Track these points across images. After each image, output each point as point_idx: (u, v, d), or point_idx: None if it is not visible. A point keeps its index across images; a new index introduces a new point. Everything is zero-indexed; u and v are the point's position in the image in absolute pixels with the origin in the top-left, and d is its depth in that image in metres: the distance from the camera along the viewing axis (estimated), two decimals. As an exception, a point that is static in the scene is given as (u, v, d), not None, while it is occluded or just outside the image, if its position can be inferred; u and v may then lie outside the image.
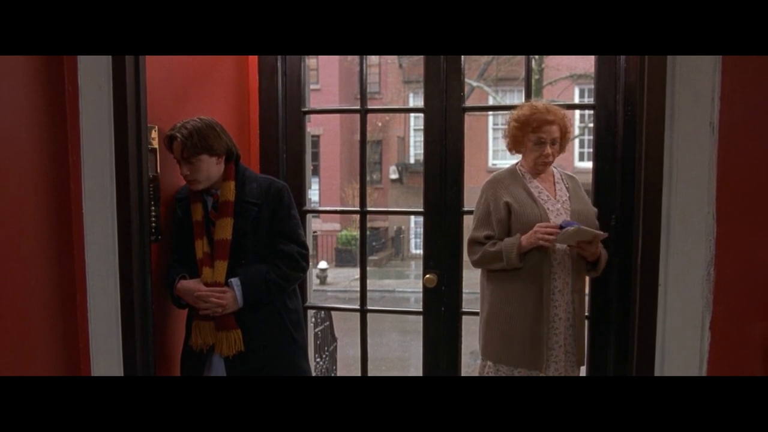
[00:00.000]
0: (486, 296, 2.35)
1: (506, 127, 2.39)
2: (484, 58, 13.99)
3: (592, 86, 2.60)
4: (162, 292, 2.19)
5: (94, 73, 1.72)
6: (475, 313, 2.47)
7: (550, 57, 13.31)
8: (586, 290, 2.44)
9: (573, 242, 2.20)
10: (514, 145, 2.36)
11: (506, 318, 2.25)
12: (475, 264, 2.34)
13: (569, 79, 14.08)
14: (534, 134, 2.27)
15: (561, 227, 2.16)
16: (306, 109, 2.83)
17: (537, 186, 2.32)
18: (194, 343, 2.19)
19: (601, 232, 2.20)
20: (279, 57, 2.75)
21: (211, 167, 2.14)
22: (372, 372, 2.88)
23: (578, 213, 2.28)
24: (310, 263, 2.34)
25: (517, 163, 2.40)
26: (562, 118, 2.29)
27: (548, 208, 2.27)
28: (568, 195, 2.35)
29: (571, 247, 2.23)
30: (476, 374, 2.42)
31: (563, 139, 2.32)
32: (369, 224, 2.86)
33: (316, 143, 16.46)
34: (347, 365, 5.94)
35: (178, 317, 2.26)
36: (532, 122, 2.27)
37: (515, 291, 2.25)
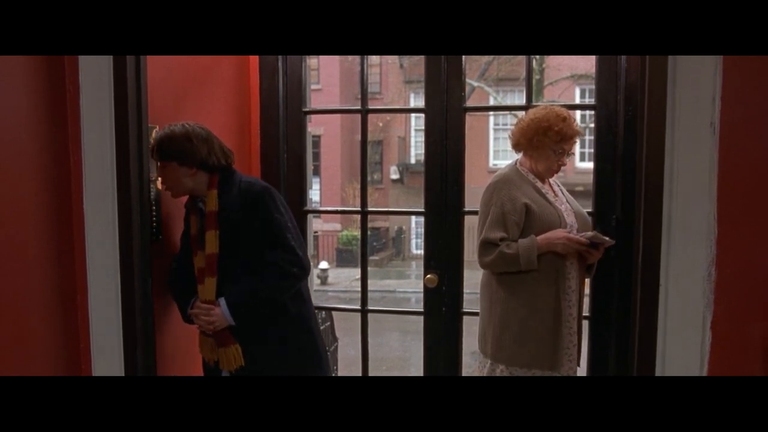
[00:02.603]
0: (499, 300, 2.28)
1: (519, 126, 2.32)
2: (485, 58, 13.98)
3: (593, 86, 2.60)
4: (163, 293, 2.20)
5: (95, 73, 1.73)
6: (476, 314, 2.46)
7: (551, 57, 13.30)
8: (586, 290, 2.45)
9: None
10: (528, 147, 2.31)
11: (523, 320, 2.23)
12: (487, 266, 2.28)
13: (570, 79, 14.07)
14: (560, 144, 2.25)
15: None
16: (307, 110, 2.83)
17: (542, 187, 2.33)
18: (204, 357, 2.21)
19: (611, 240, 2.22)
20: (280, 57, 2.74)
21: (182, 177, 2.08)
22: (372, 372, 2.88)
23: (580, 214, 2.32)
24: (311, 264, 2.28)
25: (515, 163, 2.38)
26: (581, 129, 2.32)
27: (559, 208, 2.29)
28: (564, 198, 2.38)
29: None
30: (478, 374, 2.41)
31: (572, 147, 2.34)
32: (370, 224, 2.85)
33: (316, 143, 16.44)
34: (348, 365, 5.93)
35: (179, 318, 2.25)
36: (562, 132, 2.23)
37: (531, 292, 2.23)
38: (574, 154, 2.33)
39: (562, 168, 2.37)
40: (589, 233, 2.22)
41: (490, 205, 2.28)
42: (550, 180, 2.40)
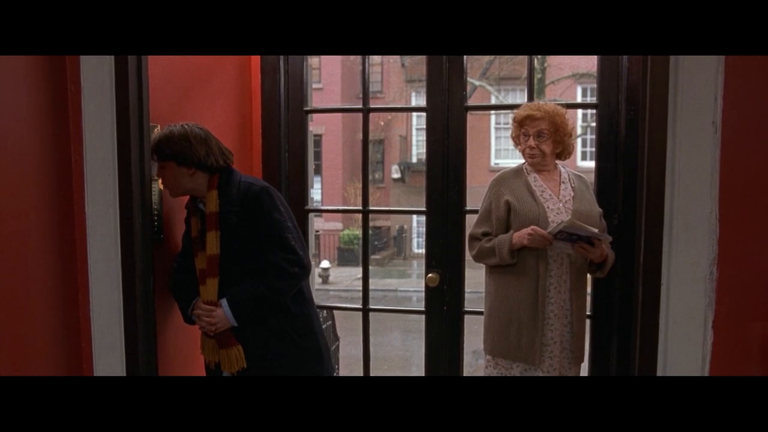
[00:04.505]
0: (488, 292, 2.39)
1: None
2: (487, 57, 13.97)
3: (595, 85, 2.59)
4: (164, 292, 2.20)
5: (96, 73, 1.73)
6: (477, 313, 2.48)
7: (553, 56, 13.28)
8: (588, 289, 2.44)
9: (569, 248, 2.20)
10: (516, 145, 2.42)
11: (504, 313, 2.29)
12: (474, 259, 2.40)
13: (572, 78, 14.05)
14: (521, 128, 2.34)
15: (555, 236, 2.16)
16: (308, 109, 2.83)
17: (541, 185, 2.33)
18: (206, 359, 2.22)
19: (601, 234, 2.17)
20: (281, 56, 2.74)
21: (180, 177, 2.08)
22: (374, 371, 2.88)
23: (580, 213, 2.26)
24: (312, 263, 2.28)
25: (524, 163, 2.42)
26: (552, 114, 2.29)
27: (548, 207, 2.28)
28: (572, 195, 2.33)
29: (573, 248, 2.21)
30: (479, 373, 2.44)
31: (557, 134, 2.31)
32: (371, 223, 2.85)
33: (318, 142, 16.43)
34: (349, 364, 5.94)
35: (181, 318, 2.25)
36: (518, 118, 2.34)
37: (512, 286, 2.29)
38: (547, 137, 2.30)
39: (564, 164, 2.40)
40: (561, 224, 2.13)
41: (483, 202, 2.40)
42: (566, 177, 2.38)
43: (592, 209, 2.33)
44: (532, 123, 2.30)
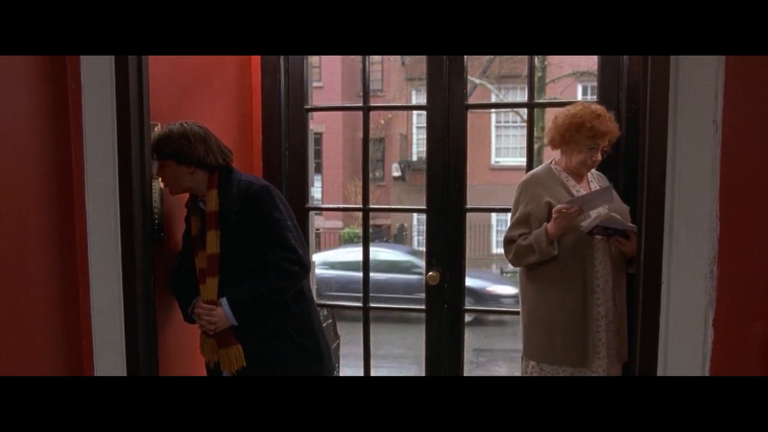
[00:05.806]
0: (528, 296, 2.36)
1: (555, 123, 2.35)
2: (487, 56, 13.94)
3: (595, 84, 2.59)
4: (164, 291, 2.20)
5: (96, 73, 1.72)
6: (477, 311, 2.47)
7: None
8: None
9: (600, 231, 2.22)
10: (561, 144, 2.35)
11: (549, 317, 2.27)
12: (512, 262, 2.36)
13: (572, 76, 14.01)
14: (593, 140, 2.27)
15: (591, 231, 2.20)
16: (308, 107, 2.83)
17: (574, 185, 2.35)
18: (205, 358, 2.22)
19: (636, 227, 2.19)
20: (281, 55, 2.75)
21: (180, 175, 2.08)
22: (374, 369, 2.89)
23: (614, 211, 2.30)
24: (311, 262, 2.28)
25: (551, 162, 2.41)
26: (617, 126, 2.30)
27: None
28: None
29: (608, 241, 2.25)
30: (480, 371, 2.43)
31: (609, 144, 2.33)
32: (371, 222, 2.83)
33: (318, 141, 16.40)
34: (350, 362, 5.94)
35: (181, 317, 2.26)
36: (595, 128, 2.25)
37: (557, 290, 2.27)
38: (609, 150, 2.32)
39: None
40: (597, 218, 2.19)
41: (518, 205, 2.36)
42: (591, 177, 2.40)
43: (622, 205, 2.36)
44: (604, 137, 2.27)
